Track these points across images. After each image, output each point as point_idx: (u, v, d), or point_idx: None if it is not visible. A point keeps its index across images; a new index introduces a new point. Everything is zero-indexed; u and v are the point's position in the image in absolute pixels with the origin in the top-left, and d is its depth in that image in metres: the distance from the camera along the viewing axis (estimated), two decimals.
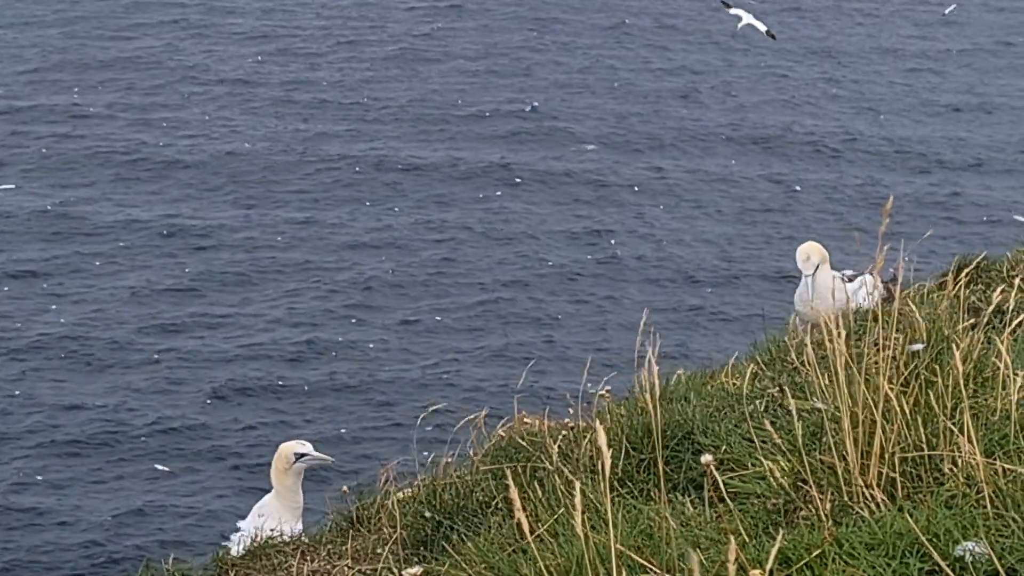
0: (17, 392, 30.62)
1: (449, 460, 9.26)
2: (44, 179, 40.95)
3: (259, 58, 50.26)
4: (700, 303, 35.51)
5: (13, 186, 40.25)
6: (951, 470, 6.08)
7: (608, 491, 5.45)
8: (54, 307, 34.15)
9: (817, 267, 10.74)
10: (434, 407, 10.18)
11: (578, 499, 5.22)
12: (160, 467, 28.04)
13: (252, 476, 27.25)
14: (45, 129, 44.07)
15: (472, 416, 9.64)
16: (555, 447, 7.69)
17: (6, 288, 35.14)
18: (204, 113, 45.76)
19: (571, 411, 9.29)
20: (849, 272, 11.20)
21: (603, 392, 8.71)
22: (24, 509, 26.60)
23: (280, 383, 31.24)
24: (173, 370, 31.61)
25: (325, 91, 47.74)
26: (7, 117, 44.98)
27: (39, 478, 27.60)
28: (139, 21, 52.70)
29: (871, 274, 10.87)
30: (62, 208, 38.98)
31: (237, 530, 10.86)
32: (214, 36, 51.99)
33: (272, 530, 10.12)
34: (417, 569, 5.10)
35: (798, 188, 41.93)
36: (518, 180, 42.48)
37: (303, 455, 11.10)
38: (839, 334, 6.52)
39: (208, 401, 30.48)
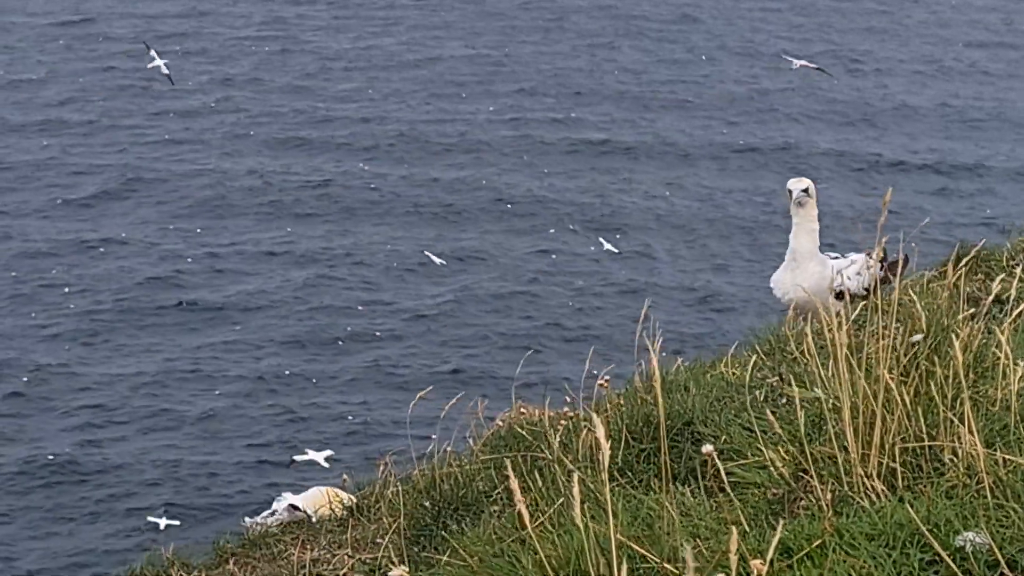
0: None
1: (449, 449, 9.25)
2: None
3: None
4: (707, 293, 35.54)
5: None
6: (951, 460, 6.07)
7: (607, 482, 5.44)
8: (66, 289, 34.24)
9: (807, 190, 10.71)
10: (422, 395, 10.13)
11: (575, 490, 5.21)
12: (172, 457, 28.04)
13: (264, 467, 27.27)
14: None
15: (455, 400, 9.61)
16: (556, 437, 7.67)
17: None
18: (204, 139, 45.30)
19: (569, 400, 9.27)
20: (832, 254, 11.18)
21: (602, 382, 8.68)
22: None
23: (288, 372, 31.23)
24: (191, 362, 31.64)
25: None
26: None
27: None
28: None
29: (867, 255, 10.82)
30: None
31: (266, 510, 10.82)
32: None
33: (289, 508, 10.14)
34: (402, 569, 5.08)
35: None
36: (525, 157, 42.54)
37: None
38: (839, 323, 6.51)
39: (217, 392, 30.47)
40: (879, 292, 7.13)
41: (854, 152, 45.24)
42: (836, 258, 10.97)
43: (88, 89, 47.32)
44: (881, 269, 10.39)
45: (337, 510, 10.39)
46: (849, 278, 10.48)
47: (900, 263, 10.67)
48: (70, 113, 45.38)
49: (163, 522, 24.97)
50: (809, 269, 10.56)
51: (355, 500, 9.63)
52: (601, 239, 38.19)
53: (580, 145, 44.72)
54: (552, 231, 38.95)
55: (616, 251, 37.64)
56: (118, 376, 30.90)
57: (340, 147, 43.93)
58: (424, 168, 42.58)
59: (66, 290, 34.67)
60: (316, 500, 10.80)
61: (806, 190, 10.75)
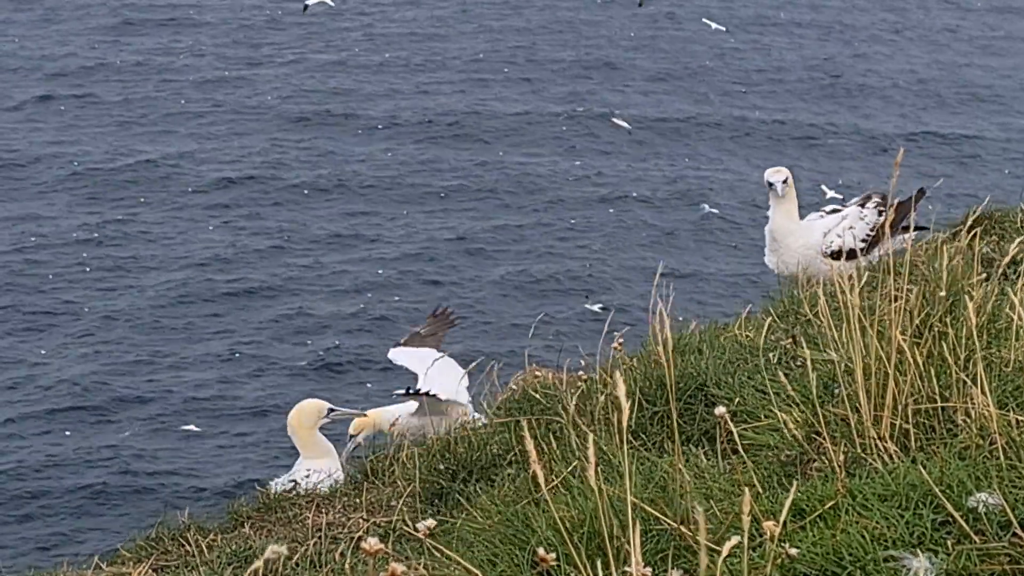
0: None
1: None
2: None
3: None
4: (722, 261, 35.57)
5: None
6: (964, 421, 6.08)
7: (624, 443, 5.45)
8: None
9: (786, 180, 10.78)
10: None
11: (591, 451, 5.23)
12: (188, 427, 28.16)
13: (275, 434, 27.37)
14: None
15: (473, 366, 9.65)
16: (571, 400, 7.69)
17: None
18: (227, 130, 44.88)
19: (583, 363, 9.29)
20: (828, 208, 11.16)
21: (616, 345, 8.70)
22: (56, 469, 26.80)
23: (310, 344, 31.30)
24: (200, 336, 31.70)
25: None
26: None
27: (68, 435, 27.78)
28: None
29: (859, 205, 10.81)
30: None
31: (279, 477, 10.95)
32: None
33: (310, 471, 10.24)
34: (431, 522, 5.10)
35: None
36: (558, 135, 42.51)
37: (333, 410, 11.27)
38: (852, 285, 6.51)
39: (230, 358, 30.54)
40: (886, 237, 7.10)
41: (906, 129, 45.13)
42: (834, 211, 10.95)
43: (114, 64, 47.12)
44: (887, 211, 10.29)
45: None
46: (840, 235, 10.45)
47: (913, 199, 10.62)
48: (97, 87, 45.19)
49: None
50: (792, 247, 10.56)
51: (369, 463, 9.68)
52: (640, 210, 38.18)
53: (613, 121, 44.55)
54: (584, 206, 38.90)
55: (658, 223, 37.63)
56: (154, 360, 30.99)
57: (367, 125, 43.73)
58: (457, 147, 42.46)
59: (88, 271, 34.72)
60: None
61: (785, 180, 10.79)
